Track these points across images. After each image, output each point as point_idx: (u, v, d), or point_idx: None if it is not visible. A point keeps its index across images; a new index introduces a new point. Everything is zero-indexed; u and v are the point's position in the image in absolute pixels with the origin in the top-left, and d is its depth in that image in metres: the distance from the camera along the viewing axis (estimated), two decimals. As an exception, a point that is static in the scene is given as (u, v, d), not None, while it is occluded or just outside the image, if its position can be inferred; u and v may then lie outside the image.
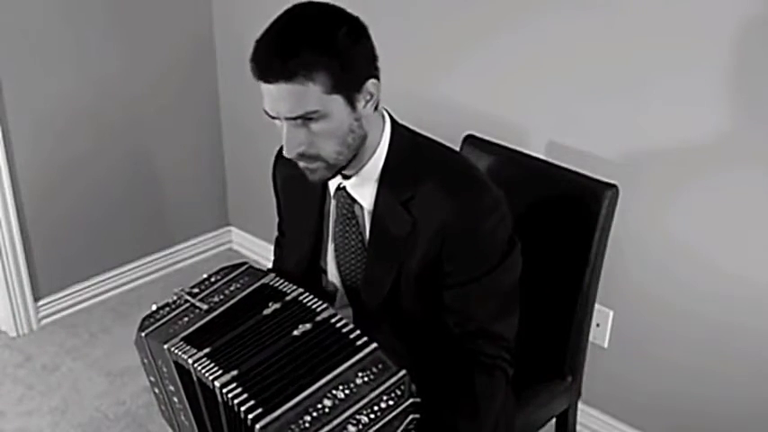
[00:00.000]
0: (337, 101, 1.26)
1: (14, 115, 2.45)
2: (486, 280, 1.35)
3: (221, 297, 1.38)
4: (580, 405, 1.84)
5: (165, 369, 1.34)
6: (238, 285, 1.40)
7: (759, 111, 1.72)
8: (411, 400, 1.19)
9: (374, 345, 1.22)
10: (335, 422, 1.14)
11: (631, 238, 1.96)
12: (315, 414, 1.14)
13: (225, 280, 1.42)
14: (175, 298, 1.40)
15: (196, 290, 1.41)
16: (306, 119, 1.26)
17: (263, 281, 1.40)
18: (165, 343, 1.29)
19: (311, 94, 1.23)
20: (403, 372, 1.19)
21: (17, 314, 2.64)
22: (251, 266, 1.46)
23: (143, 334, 1.34)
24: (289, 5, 1.30)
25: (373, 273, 1.41)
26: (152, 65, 2.73)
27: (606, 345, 2.13)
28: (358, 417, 1.15)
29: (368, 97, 1.30)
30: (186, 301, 1.38)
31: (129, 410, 2.36)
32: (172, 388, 1.36)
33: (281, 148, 1.54)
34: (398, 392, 1.18)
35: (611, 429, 2.19)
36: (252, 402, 1.16)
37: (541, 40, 2.01)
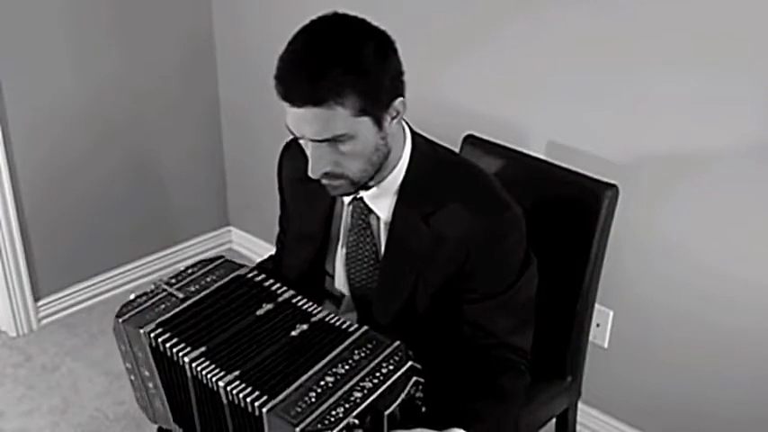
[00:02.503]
0: (365, 122, 1.25)
1: (14, 115, 2.45)
2: (505, 296, 1.36)
3: (197, 287, 1.41)
4: (580, 405, 1.84)
5: (140, 354, 1.36)
6: (214, 277, 1.43)
7: (761, 110, 1.71)
8: (410, 363, 1.23)
9: (365, 327, 1.28)
10: (340, 392, 1.18)
11: (631, 238, 1.96)
12: (319, 390, 1.19)
13: (201, 272, 1.45)
14: (153, 287, 1.43)
15: (173, 280, 1.44)
16: (333, 140, 1.24)
17: (237, 272, 1.43)
18: (141, 328, 1.32)
19: (339, 117, 1.21)
20: (397, 342, 1.25)
21: (17, 314, 2.64)
22: (227, 260, 1.49)
23: (120, 320, 1.36)
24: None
25: (388, 286, 1.41)
26: (152, 65, 2.73)
27: (606, 345, 2.13)
28: (362, 384, 1.19)
29: (394, 114, 1.29)
30: (164, 290, 1.41)
31: (129, 410, 2.36)
32: (147, 373, 1.38)
33: (287, 144, 1.54)
34: (396, 358, 1.23)
35: (611, 429, 2.19)
36: (257, 393, 1.20)
37: (541, 39, 2.01)
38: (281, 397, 1.18)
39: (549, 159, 1.81)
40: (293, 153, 1.48)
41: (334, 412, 1.15)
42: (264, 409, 1.17)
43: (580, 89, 1.97)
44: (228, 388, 1.21)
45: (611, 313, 2.09)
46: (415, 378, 1.23)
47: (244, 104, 2.86)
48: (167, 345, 1.29)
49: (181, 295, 1.39)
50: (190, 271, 1.46)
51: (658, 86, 1.84)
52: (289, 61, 1.23)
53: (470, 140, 1.82)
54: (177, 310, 1.35)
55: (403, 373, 1.21)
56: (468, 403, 1.32)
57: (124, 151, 2.76)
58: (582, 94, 1.97)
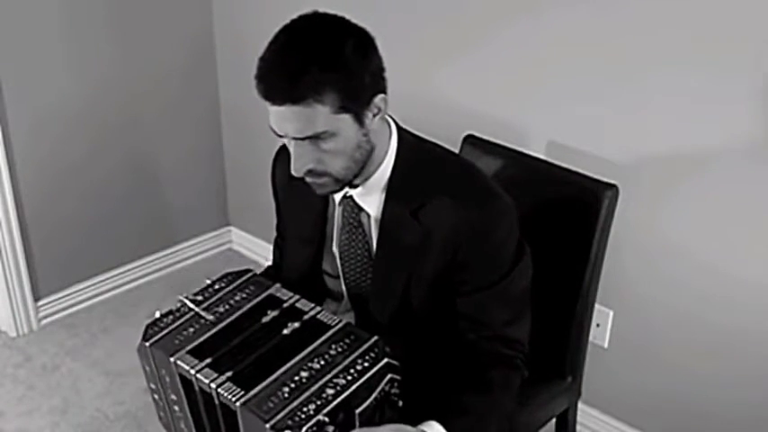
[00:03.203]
0: (346, 119, 1.25)
1: (14, 115, 2.45)
2: (498, 287, 1.35)
3: (227, 307, 1.38)
4: (580, 405, 1.84)
5: (168, 379, 1.34)
6: (244, 295, 1.40)
7: (761, 110, 1.71)
8: (386, 360, 1.22)
9: (345, 321, 1.28)
10: (313, 388, 1.18)
11: (631, 238, 1.96)
12: (293, 385, 1.19)
13: (229, 288, 1.42)
14: (179, 305, 1.40)
15: (200, 297, 1.41)
16: (314, 138, 1.25)
17: (269, 291, 1.40)
18: (172, 356, 1.30)
19: (320, 115, 1.22)
20: (375, 338, 1.24)
21: (17, 314, 2.64)
22: (255, 274, 1.46)
23: (148, 344, 1.34)
24: (290, 11, 1.28)
25: (382, 282, 1.41)
26: (152, 65, 2.73)
27: (606, 345, 2.13)
28: (335, 381, 1.19)
29: (375, 111, 1.29)
30: (190, 309, 1.38)
31: (129, 410, 2.36)
32: (174, 397, 1.37)
33: (279, 150, 1.54)
34: (372, 355, 1.23)
35: (611, 429, 2.19)
36: (237, 389, 1.21)
37: (541, 39, 2.01)
38: (254, 391, 1.19)
39: (549, 159, 1.81)
40: (285, 157, 1.47)
41: (305, 409, 1.16)
42: (238, 403, 1.18)
43: (580, 89, 1.97)
44: (219, 390, 1.22)
45: (611, 313, 2.09)
46: (390, 375, 1.22)
47: (244, 104, 2.86)
48: (191, 371, 1.27)
49: (210, 317, 1.35)
50: (216, 287, 1.43)
51: (658, 86, 1.84)
52: (269, 60, 1.24)
53: (470, 140, 1.82)
54: (208, 334, 1.32)
55: (377, 371, 1.21)
56: (453, 396, 1.31)
57: (124, 151, 2.76)
58: (582, 94, 1.97)
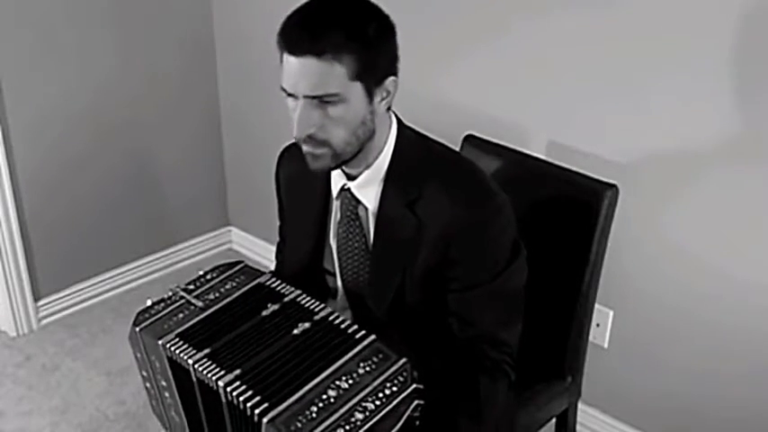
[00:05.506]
0: (358, 89, 1.27)
1: (15, 115, 2.45)
2: (490, 285, 1.35)
3: (217, 295, 1.38)
4: (580, 405, 1.84)
5: (157, 364, 1.35)
6: (234, 284, 1.41)
7: (760, 111, 1.72)
8: (414, 386, 1.21)
9: (372, 336, 1.25)
10: (342, 410, 1.16)
11: (631, 238, 1.96)
12: (321, 405, 1.16)
13: (221, 278, 1.43)
14: (170, 294, 1.41)
15: (191, 286, 1.42)
16: (324, 101, 1.26)
17: (258, 280, 1.40)
18: (160, 339, 1.30)
19: (336, 75, 1.24)
20: (404, 359, 1.21)
21: (17, 314, 2.64)
22: (247, 265, 1.47)
23: (137, 329, 1.35)
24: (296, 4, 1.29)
25: (378, 276, 1.41)
26: (152, 64, 2.73)
27: (606, 345, 2.13)
28: (364, 404, 1.17)
29: (384, 94, 1.32)
30: (181, 297, 1.39)
31: (129, 410, 2.36)
32: (164, 383, 1.37)
33: (283, 150, 1.55)
34: (401, 379, 1.20)
35: (611, 429, 2.19)
36: (258, 398, 1.18)
37: (541, 39, 2.01)
38: (281, 407, 1.16)
39: (549, 159, 1.81)
40: (291, 155, 1.50)
41: None
42: (265, 419, 1.15)
43: (580, 89, 1.97)
44: (228, 389, 1.20)
45: (611, 313, 2.09)
46: (416, 402, 1.21)
47: (244, 105, 2.86)
48: (189, 360, 1.26)
49: (200, 304, 1.36)
50: (208, 276, 1.44)
51: (658, 86, 1.84)
52: (296, 17, 1.27)
53: (470, 140, 1.82)
54: (197, 319, 1.33)
55: (406, 396, 1.19)
56: (446, 412, 1.31)
57: (124, 151, 2.76)
58: (582, 94, 1.97)
